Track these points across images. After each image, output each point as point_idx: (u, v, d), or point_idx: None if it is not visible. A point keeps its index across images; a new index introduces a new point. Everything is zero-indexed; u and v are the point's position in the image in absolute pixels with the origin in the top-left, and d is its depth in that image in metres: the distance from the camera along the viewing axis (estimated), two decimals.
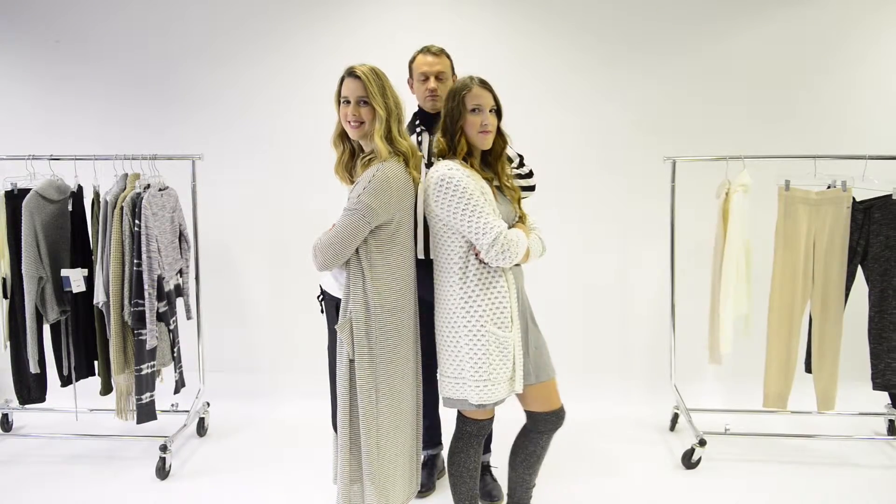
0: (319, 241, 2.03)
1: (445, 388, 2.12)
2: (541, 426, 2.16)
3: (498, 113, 2.10)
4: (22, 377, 3.11)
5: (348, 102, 2.03)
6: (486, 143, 2.06)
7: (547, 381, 2.14)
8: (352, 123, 2.03)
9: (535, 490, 2.74)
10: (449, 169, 1.99)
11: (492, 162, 2.15)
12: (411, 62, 2.56)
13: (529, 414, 2.18)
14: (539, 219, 3.95)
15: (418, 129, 2.57)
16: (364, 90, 2.00)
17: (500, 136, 2.12)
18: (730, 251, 2.90)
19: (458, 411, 2.17)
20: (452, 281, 2.04)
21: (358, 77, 2.01)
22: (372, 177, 1.96)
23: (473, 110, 2.02)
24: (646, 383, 3.71)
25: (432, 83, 2.49)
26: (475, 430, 2.18)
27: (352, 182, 2.13)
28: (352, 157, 2.17)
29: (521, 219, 2.17)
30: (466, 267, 2.02)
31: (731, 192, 2.93)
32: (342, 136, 2.14)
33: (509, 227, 2.05)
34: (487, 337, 2.00)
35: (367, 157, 2.05)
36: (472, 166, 2.05)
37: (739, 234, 2.90)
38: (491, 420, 2.21)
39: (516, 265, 2.11)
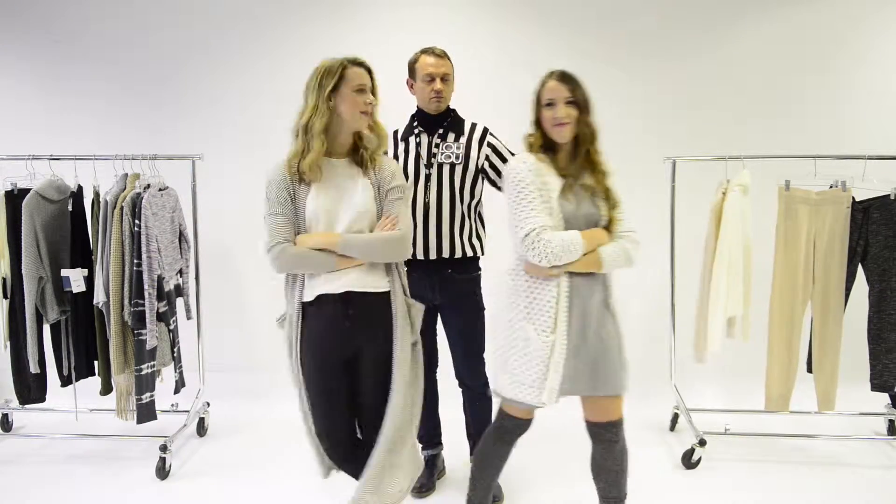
0: (401, 233, 1.99)
1: (490, 371, 2.22)
2: (595, 436, 2.11)
3: (579, 105, 2.02)
4: (22, 377, 3.11)
5: (363, 91, 1.97)
6: (561, 136, 2.01)
7: (612, 395, 2.05)
8: (367, 112, 1.99)
9: (534, 489, 2.75)
10: (517, 161, 2.02)
11: (577, 156, 2.09)
12: (413, 62, 2.52)
13: (585, 423, 2.13)
14: None
15: (416, 131, 2.56)
16: (372, 81, 2.00)
17: (588, 130, 2.05)
18: (721, 250, 2.90)
19: (500, 406, 2.18)
20: (509, 270, 2.08)
21: (368, 68, 1.99)
22: (396, 164, 2.12)
23: (548, 104, 2.01)
24: (646, 383, 3.70)
25: (438, 84, 2.47)
26: (510, 426, 2.16)
27: (319, 178, 1.99)
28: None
29: (611, 223, 2.05)
30: (519, 261, 2.04)
31: (728, 191, 2.93)
32: (327, 127, 2.00)
33: (590, 229, 2.01)
34: (518, 334, 2.00)
35: (374, 149, 2.04)
36: (550, 161, 2.03)
37: (737, 233, 2.90)
38: (528, 421, 2.16)
39: (591, 273, 2.02)
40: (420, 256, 2.53)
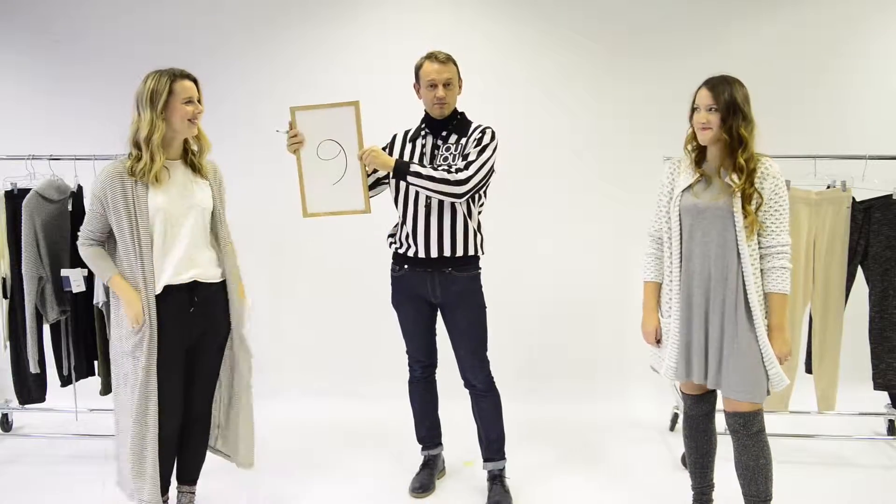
0: (244, 295, 2.60)
1: None
2: (727, 424, 2.25)
3: (726, 113, 2.13)
4: (22, 377, 3.11)
5: (191, 102, 2.27)
6: (701, 138, 2.20)
7: (733, 399, 2.17)
8: (194, 120, 2.29)
9: (534, 488, 2.74)
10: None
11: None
12: (418, 68, 2.54)
13: None
14: (539, 219, 3.90)
15: (423, 133, 2.58)
16: (198, 90, 2.34)
17: (732, 138, 2.13)
18: None
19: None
20: None
21: (194, 79, 2.33)
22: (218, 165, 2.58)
23: (696, 109, 2.20)
24: (646, 383, 3.70)
25: (441, 91, 2.47)
26: (685, 405, 2.40)
27: (166, 180, 2.27)
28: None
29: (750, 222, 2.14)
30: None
31: None
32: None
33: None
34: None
35: (200, 153, 2.41)
36: (693, 158, 2.26)
37: None
38: (694, 398, 2.35)
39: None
40: (421, 255, 2.53)
